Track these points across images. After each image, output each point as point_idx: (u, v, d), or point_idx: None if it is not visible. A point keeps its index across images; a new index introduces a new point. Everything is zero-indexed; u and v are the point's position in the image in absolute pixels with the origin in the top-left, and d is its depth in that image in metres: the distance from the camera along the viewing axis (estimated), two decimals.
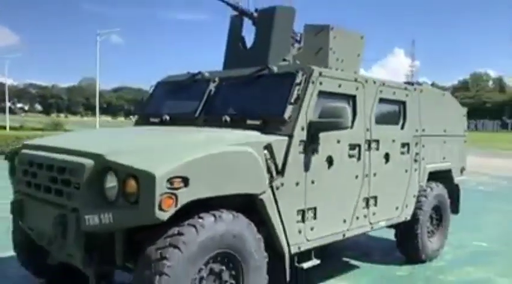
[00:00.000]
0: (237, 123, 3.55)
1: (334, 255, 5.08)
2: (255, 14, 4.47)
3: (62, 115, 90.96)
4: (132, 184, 2.56)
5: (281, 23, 4.23)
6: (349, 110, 3.46)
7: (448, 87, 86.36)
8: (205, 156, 2.73)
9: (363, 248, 5.51)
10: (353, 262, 5.01)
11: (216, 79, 4.06)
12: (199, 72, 4.31)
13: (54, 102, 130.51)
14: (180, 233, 2.61)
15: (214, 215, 2.76)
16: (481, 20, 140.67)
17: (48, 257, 3.57)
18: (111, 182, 2.69)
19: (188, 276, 2.64)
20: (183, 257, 2.58)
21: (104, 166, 2.72)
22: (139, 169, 2.53)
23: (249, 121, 3.49)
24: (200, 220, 2.70)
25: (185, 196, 2.59)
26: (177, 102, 4.44)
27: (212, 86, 4.03)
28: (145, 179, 2.49)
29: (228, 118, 3.63)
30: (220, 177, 2.81)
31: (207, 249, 2.71)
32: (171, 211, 2.54)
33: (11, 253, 4.15)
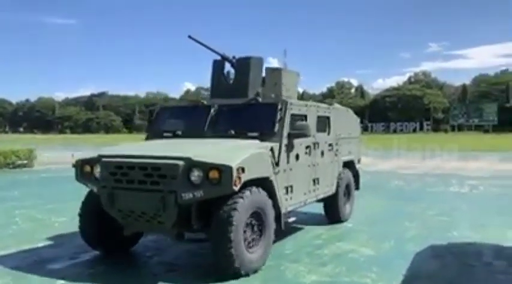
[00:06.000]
0: (240, 135, 5.54)
1: None
2: (234, 60, 6.53)
3: None
4: (215, 173, 4.47)
5: (254, 67, 6.38)
6: (310, 126, 5.75)
7: (317, 95, 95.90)
8: (250, 155, 4.79)
9: None
10: None
11: (216, 105, 6.02)
12: (200, 101, 6.22)
13: None
14: (241, 195, 4.63)
15: (257, 188, 4.83)
16: (344, 34, 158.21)
17: (123, 230, 5.20)
18: (196, 173, 4.55)
19: (243, 219, 4.62)
20: (243, 204, 4.57)
21: (191, 164, 4.57)
22: (221, 163, 4.47)
23: (249, 134, 5.53)
24: (250, 189, 4.74)
25: (244, 178, 4.60)
26: (184, 121, 6.29)
27: (213, 110, 5.97)
28: (226, 169, 4.45)
29: (232, 132, 5.63)
30: (256, 167, 4.88)
31: (251, 205, 4.72)
32: (238, 186, 4.54)
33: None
